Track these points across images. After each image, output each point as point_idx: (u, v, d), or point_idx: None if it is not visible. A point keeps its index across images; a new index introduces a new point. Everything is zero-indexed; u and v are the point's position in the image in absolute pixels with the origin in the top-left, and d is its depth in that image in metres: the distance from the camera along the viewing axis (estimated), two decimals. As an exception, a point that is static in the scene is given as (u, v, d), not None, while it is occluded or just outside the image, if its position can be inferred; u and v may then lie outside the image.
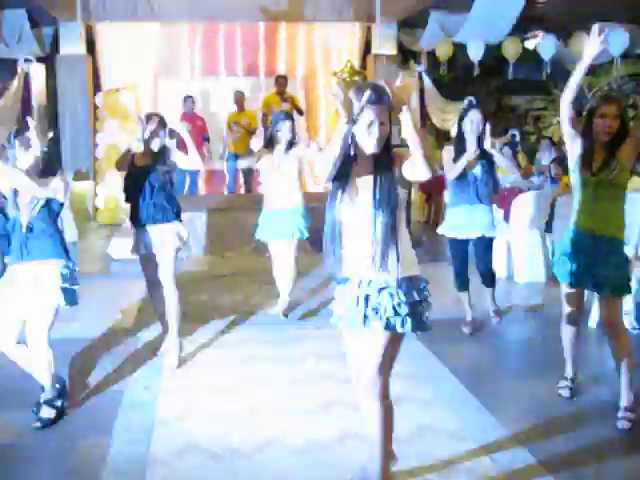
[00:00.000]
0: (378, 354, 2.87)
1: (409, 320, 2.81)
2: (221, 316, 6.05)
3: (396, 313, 2.80)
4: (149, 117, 4.89)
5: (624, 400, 3.88)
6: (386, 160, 2.84)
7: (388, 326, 2.80)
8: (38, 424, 3.88)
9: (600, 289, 3.97)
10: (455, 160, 5.25)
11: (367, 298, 2.84)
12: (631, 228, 5.61)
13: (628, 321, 5.51)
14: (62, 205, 4.00)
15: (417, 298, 2.84)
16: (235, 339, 5.42)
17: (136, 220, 4.84)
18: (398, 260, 2.80)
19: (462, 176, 5.25)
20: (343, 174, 2.84)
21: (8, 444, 3.72)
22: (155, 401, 4.23)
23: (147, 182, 4.76)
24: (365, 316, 2.84)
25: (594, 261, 3.88)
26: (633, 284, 5.24)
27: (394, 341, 2.89)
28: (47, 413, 3.95)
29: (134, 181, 4.83)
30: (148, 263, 4.90)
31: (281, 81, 10.96)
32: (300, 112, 10.91)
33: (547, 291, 6.67)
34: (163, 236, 4.77)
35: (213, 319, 5.94)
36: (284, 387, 4.45)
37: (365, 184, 2.82)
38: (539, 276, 7.04)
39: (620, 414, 3.84)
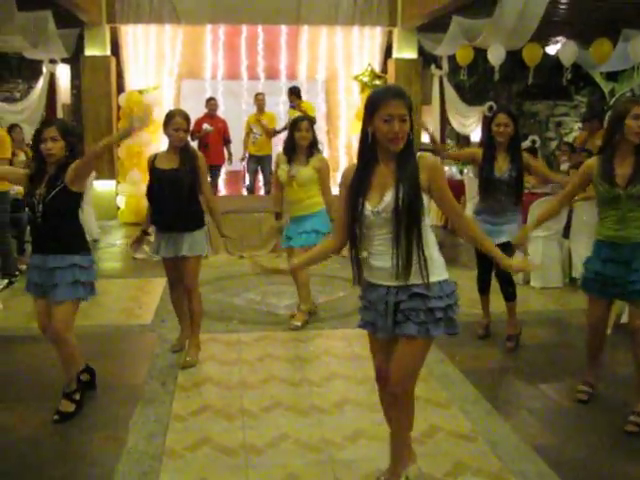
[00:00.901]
0: (413, 358, 2.90)
1: (442, 324, 2.85)
2: (238, 315, 6.14)
3: (429, 317, 2.82)
4: (172, 115, 4.75)
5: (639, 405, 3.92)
6: (410, 161, 2.79)
7: (423, 330, 2.82)
8: (57, 417, 3.96)
9: (631, 295, 3.93)
10: (484, 165, 5.18)
11: (397, 304, 2.84)
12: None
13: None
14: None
15: (449, 302, 2.86)
16: (251, 338, 5.48)
17: (165, 226, 4.76)
18: (426, 264, 2.79)
19: (491, 180, 5.15)
20: (364, 177, 2.82)
21: (26, 437, 3.80)
22: (171, 397, 4.31)
23: (176, 186, 4.66)
24: (396, 322, 2.86)
25: (624, 269, 3.89)
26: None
27: (426, 344, 2.91)
28: (67, 406, 4.02)
29: (161, 184, 4.69)
30: (173, 265, 4.89)
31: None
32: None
33: (564, 296, 6.69)
34: (193, 241, 4.76)
35: (230, 318, 6.03)
36: (298, 385, 4.52)
37: (388, 187, 2.78)
38: (556, 281, 7.04)
39: (631, 418, 3.87)
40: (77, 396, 4.10)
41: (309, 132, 5.56)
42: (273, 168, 6.04)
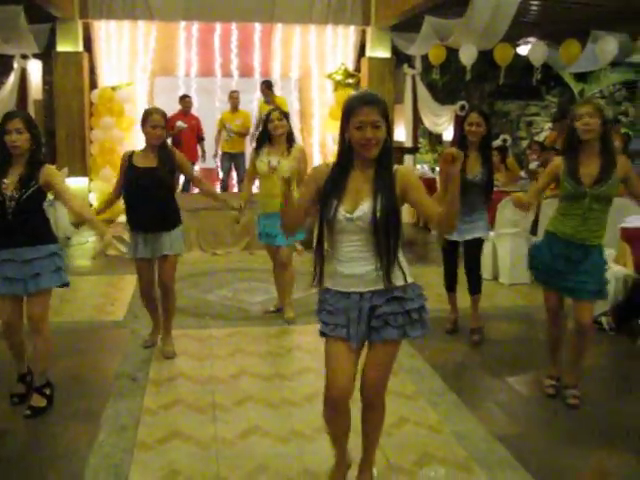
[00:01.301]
0: (390, 362, 2.90)
1: (418, 325, 2.87)
2: (211, 311, 6.18)
3: (406, 319, 2.83)
4: (150, 112, 4.77)
5: (570, 379, 4.27)
6: (387, 169, 2.78)
7: (401, 333, 2.84)
8: (29, 412, 3.98)
9: (578, 294, 4.07)
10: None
11: (372, 309, 2.81)
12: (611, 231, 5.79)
13: (606, 322, 5.67)
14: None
15: (421, 302, 2.88)
16: (223, 333, 5.53)
17: (143, 226, 4.74)
18: (401, 268, 2.82)
19: (462, 182, 5.17)
20: (339, 181, 2.79)
21: (-2, 430, 3.83)
22: (143, 391, 4.34)
23: (156, 185, 4.66)
24: (371, 327, 2.83)
25: (574, 266, 4.04)
26: (611, 285, 5.42)
27: (399, 346, 2.93)
28: (38, 401, 4.05)
29: (139, 184, 4.67)
30: (148, 265, 4.87)
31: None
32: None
33: (531, 292, 6.81)
34: (172, 240, 4.77)
35: (203, 314, 6.07)
36: (269, 379, 4.58)
37: (364, 195, 2.76)
38: (524, 277, 7.17)
39: (568, 392, 4.22)
40: (48, 391, 4.12)
41: (282, 121, 5.54)
42: (247, 164, 5.97)
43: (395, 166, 2.82)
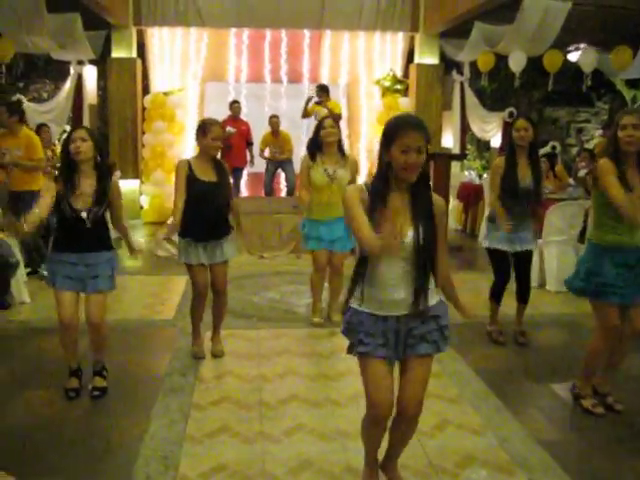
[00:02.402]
0: (426, 378, 2.95)
1: (447, 340, 2.94)
2: (258, 312, 6.32)
3: (440, 336, 2.91)
4: (210, 124, 4.80)
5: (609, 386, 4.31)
6: (425, 195, 2.80)
7: (436, 348, 2.91)
8: (97, 393, 4.32)
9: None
10: (508, 174, 5.23)
11: (409, 330, 2.86)
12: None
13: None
14: None
15: (448, 319, 2.94)
16: (270, 334, 5.65)
17: (202, 236, 4.81)
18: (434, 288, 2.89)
19: (516, 190, 5.20)
20: (381, 204, 2.76)
21: (53, 419, 4.00)
22: (192, 388, 4.48)
23: (219, 199, 4.78)
24: (407, 346, 2.89)
25: (631, 273, 4.00)
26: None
27: (432, 362, 2.98)
28: (100, 382, 4.40)
29: (203, 197, 4.71)
30: (203, 271, 4.95)
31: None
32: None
33: (578, 300, 6.75)
34: (226, 247, 4.90)
35: (250, 315, 6.21)
36: (314, 379, 4.68)
37: (406, 218, 2.77)
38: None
39: (610, 399, 4.27)
40: (105, 373, 4.46)
41: (334, 128, 5.56)
42: (299, 170, 6.00)
43: (434, 194, 2.83)
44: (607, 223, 4.00)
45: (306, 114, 10.82)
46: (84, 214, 4.12)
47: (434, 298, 2.88)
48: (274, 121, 11.23)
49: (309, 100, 10.78)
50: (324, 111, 9.66)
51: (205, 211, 4.74)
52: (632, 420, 4.10)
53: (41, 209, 4.07)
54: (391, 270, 2.80)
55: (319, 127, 5.62)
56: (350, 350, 2.98)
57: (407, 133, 2.68)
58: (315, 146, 5.64)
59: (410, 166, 2.69)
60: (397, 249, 2.65)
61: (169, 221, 4.99)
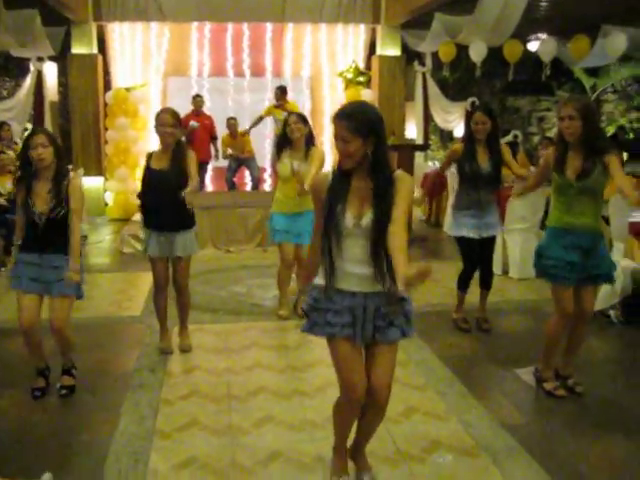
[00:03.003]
0: (394, 362, 2.99)
1: (411, 325, 2.98)
2: (225, 306, 6.34)
3: (404, 320, 2.95)
4: (159, 112, 4.85)
5: (571, 369, 4.43)
6: (382, 175, 2.82)
7: (403, 334, 2.95)
8: (64, 391, 4.31)
9: (595, 280, 4.24)
10: (465, 161, 5.37)
11: (377, 309, 2.90)
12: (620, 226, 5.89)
13: (615, 315, 5.76)
14: None
15: (411, 304, 2.99)
16: (237, 328, 5.68)
17: (158, 225, 4.82)
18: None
19: (478, 175, 5.34)
20: (342, 189, 2.84)
21: (20, 419, 3.99)
22: (161, 383, 4.49)
23: (165, 186, 4.72)
24: (376, 326, 2.91)
25: (587, 256, 4.12)
26: (619, 278, 5.52)
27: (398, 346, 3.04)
28: (68, 381, 4.39)
29: (152, 184, 4.78)
30: (164, 266, 4.97)
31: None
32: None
33: (541, 286, 6.89)
34: (186, 240, 4.89)
35: (217, 309, 6.23)
36: (282, 371, 4.72)
37: (366, 203, 2.82)
38: (533, 272, 7.24)
39: (571, 381, 4.38)
40: (74, 371, 4.44)
41: (297, 124, 5.63)
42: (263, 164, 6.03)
43: (397, 172, 2.87)
44: (557, 206, 4.16)
45: (260, 119, 11.28)
46: (42, 217, 4.10)
47: (398, 282, 2.89)
48: (232, 123, 11.29)
49: (260, 119, 11.29)
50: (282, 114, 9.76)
51: (155, 199, 4.78)
52: (592, 402, 4.22)
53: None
54: (355, 246, 2.84)
55: (285, 122, 5.72)
56: (309, 328, 2.99)
57: (335, 122, 2.80)
58: (284, 142, 5.74)
59: (341, 153, 2.80)
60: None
61: (133, 218, 5.01)
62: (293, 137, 5.64)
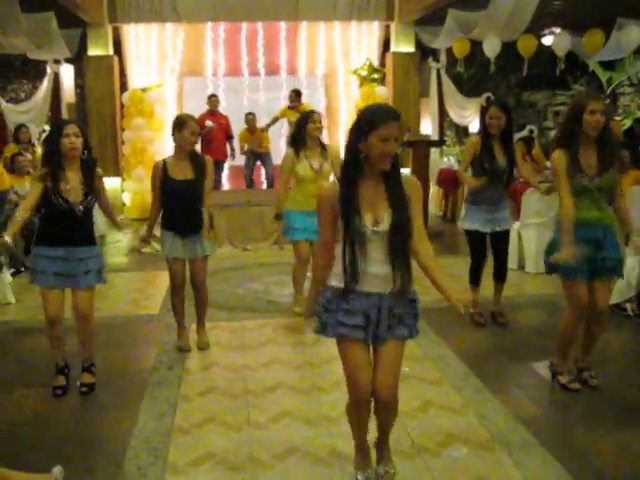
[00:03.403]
0: (400, 360, 3.03)
1: (418, 325, 3.04)
2: (242, 304, 6.40)
3: (414, 320, 3.00)
4: (186, 119, 4.86)
5: (587, 362, 4.44)
6: (397, 181, 2.88)
7: (411, 333, 3.00)
8: (85, 389, 4.37)
9: (606, 273, 4.21)
10: (483, 157, 5.37)
11: (390, 309, 2.93)
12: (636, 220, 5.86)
13: (631, 308, 5.75)
14: None
15: (419, 306, 3.04)
16: (254, 324, 5.74)
17: (180, 231, 4.87)
18: (411, 273, 2.96)
19: (495, 171, 5.36)
20: (355, 195, 2.84)
21: (41, 416, 4.07)
22: (179, 380, 4.55)
23: (193, 196, 4.81)
24: (388, 326, 2.94)
25: (600, 248, 4.13)
26: (635, 271, 5.51)
27: (405, 345, 3.07)
28: (89, 378, 4.45)
29: (177, 195, 4.80)
30: (181, 264, 5.02)
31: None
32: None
33: (557, 281, 6.87)
34: (205, 244, 4.94)
35: (234, 307, 6.29)
36: (299, 367, 4.77)
37: (382, 207, 2.85)
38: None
39: (586, 374, 4.39)
40: (94, 369, 4.50)
41: (321, 123, 5.69)
42: (279, 162, 5.99)
43: (404, 175, 2.92)
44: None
45: (276, 120, 11.37)
46: (80, 207, 4.19)
47: (411, 282, 2.96)
48: (250, 118, 11.34)
49: (276, 119, 11.39)
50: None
51: (183, 208, 4.82)
52: (607, 395, 4.22)
53: (22, 212, 4.15)
54: (374, 249, 2.87)
55: (306, 121, 5.66)
56: (321, 330, 3.01)
57: (387, 123, 2.76)
58: (299, 141, 5.70)
59: (388, 154, 2.79)
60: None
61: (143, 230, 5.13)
62: (313, 135, 5.64)
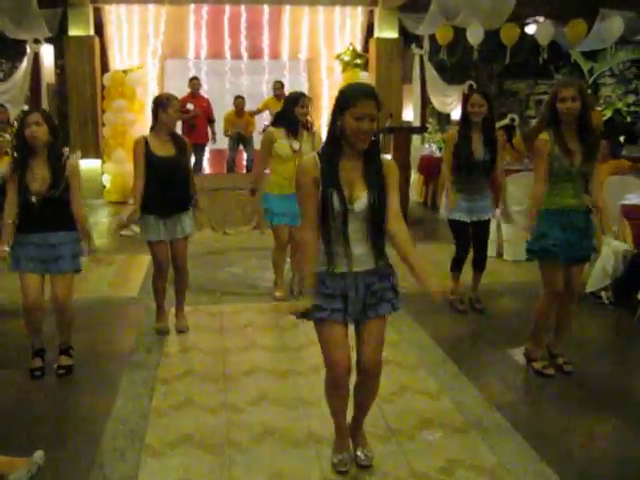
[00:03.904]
0: (383, 336, 3.09)
1: (399, 297, 3.09)
2: (221, 288, 6.41)
3: (393, 294, 3.05)
4: (170, 98, 4.87)
5: (561, 348, 4.51)
6: (375, 161, 2.93)
7: (392, 307, 3.05)
8: (62, 371, 4.36)
9: (586, 259, 4.36)
10: (460, 148, 5.38)
11: (367, 287, 2.98)
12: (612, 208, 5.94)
13: (606, 296, 5.83)
14: None
15: (396, 277, 3.08)
16: (233, 309, 5.75)
17: (163, 211, 4.84)
18: (385, 248, 3.02)
19: (471, 163, 5.37)
20: (334, 172, 2.87)
21: (17, 398, 4.07)
22: (157, 363, 4.56)
23: (177, 173, 4.83)
24: (366, 305, 2.99)
25: (581, 235, 4.22)
26: (611, 260, 5.59)
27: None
28: (66, 361, 4.43)
29: (160, 172, 4.77)
30: (164, 247, 4.99)
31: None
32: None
33: (534, 269, 6.94)
34: (186, 222, 4.96)
35: (214, 291, 6.29)
36: (277, 351, 4.80)
37: (360, 186, 2.89)
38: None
39: (560, 360, 4.44)
40: (72, 352, 4.48)
41: (309, 108, 5.73)
42: (262, 141, 5.93)
43: (383, 157, 2.98)
44: (553, 188, 4.18)
45: (258, 112, 11.40)
46: (33, 198, 4.13)
47: (385, 257, 3.02)
48: (239, 102, 11.29)
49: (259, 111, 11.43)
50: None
51: (165, 186, 4.79)
52: (581, 380, 4.29)
53: (9, 212, 4.21)
54: (353, 227, 2.91)
55: (295, 103, 5.64)
56: (300, 315, 3.03)
57: (361, 101, 2.79)
58: (284, 120, 5.68)
59: (363, 133, 2.82)
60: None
61: (130, 201, 5.00)
62: (302, 118, 5.65)
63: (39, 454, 3.16)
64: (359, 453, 3.29)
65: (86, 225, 4.43)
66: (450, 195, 5.53)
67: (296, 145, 5.60)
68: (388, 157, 3.02)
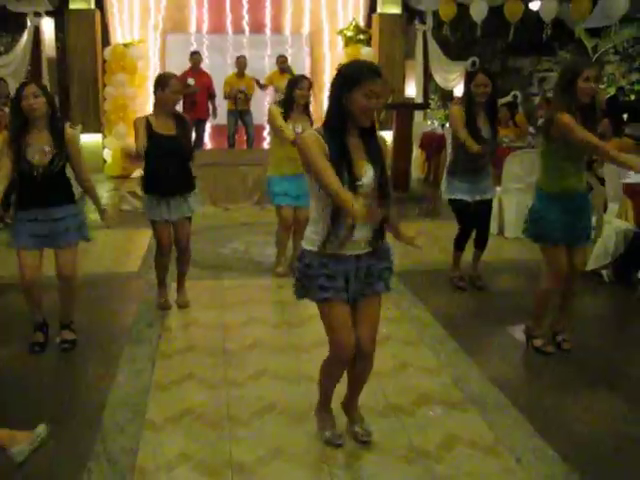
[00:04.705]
0: (379, 313, 3.13)
1: (393, 277, 3.14)
2: (223, 263, 6.42)
3: (390, 273, 3.10)
4: (169, 77, 4.84)
5: (563, 325, 4.51)
6: (375, 137, 2.97)
7: (388, 286, 3.10)
8: (66, 345, 4.37)
9: (584, 240, 4.35)
10: (468, 124, 5.27)
11: (368, 267, 3.01)
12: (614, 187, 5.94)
13: (607, 274, 5.84)
14: None
15: (393, 257, 3.14)
16: (235, 284, 5.77)
17: (166, 191, 4.83)
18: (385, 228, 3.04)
19: (477, 139, 5.26)
20: (342, 148, 2.85)
21: (18, 372, 4.09)
22: (158, 337, 4.58)
23: (178, 152, 4.81)
24: (366, 283, 3.03)
25: (581, 217, 4.21)
26: (612, 239, 5.59)
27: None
28: (69, 335, 4.45)
29: (163, 151, 4.76)
30: (167, 226, 4.98)
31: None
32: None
33: (535, 246, 6.93)
34: (191, 202, 4.96)
35: (216, 266, 6.31)
36: (278, 327, 4.82)
37: (363, 162, 2.90)
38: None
39: (560, 337, 4.45)
40: (73, 326, 4.49)
41: (309, 91, 5.68)
42: (269, 118, 5.84)
43: (378, 134, 3.00)
44: (556, 171, 4.14)
45: (264, 85, 11.27)
46: (40, 169, 4.09)
47: (384, 236, 3.05)
48: (241, 61, 11.14)
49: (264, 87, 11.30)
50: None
51: (167, 165, 4.77)
52: (580, 358, 4.31)
53: None
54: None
55: (295, 85, 5.63)
56: (303, 294, 3.07)
57: (373, 79, 2.80)
58: (287, 104, 5.67)
59: (371, 110, 2.84)
60: (377, 218, 2.82)
61: (134, 174, 5.01)
62: (300, 102, 5.63)
63: (41, 428, 3.18)
64: (357, 429, 3.31)
65: (93, 189, 4.48)
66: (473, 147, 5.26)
67: (298, 128, 5.57)
68: (390, 134, 3.04)
